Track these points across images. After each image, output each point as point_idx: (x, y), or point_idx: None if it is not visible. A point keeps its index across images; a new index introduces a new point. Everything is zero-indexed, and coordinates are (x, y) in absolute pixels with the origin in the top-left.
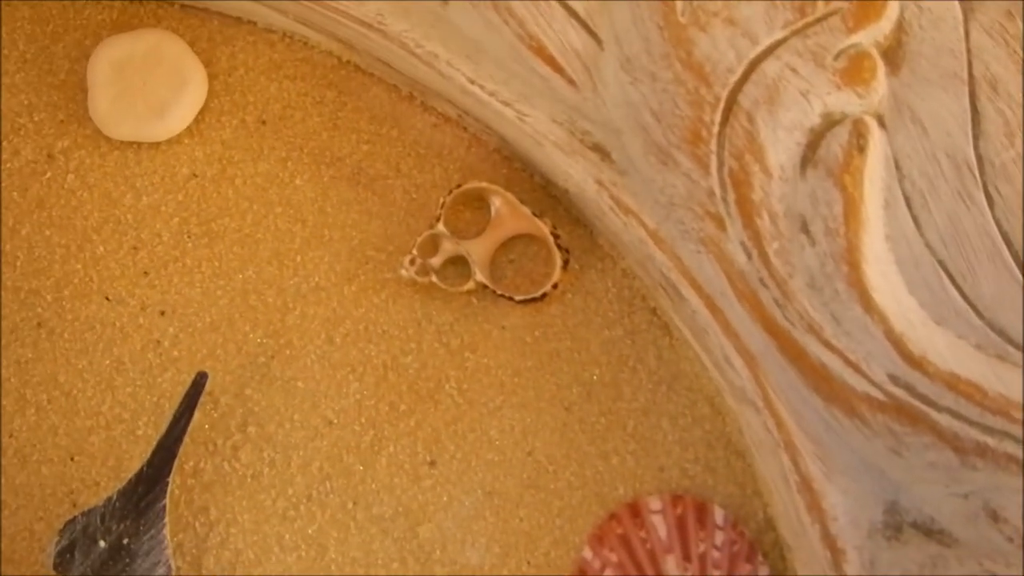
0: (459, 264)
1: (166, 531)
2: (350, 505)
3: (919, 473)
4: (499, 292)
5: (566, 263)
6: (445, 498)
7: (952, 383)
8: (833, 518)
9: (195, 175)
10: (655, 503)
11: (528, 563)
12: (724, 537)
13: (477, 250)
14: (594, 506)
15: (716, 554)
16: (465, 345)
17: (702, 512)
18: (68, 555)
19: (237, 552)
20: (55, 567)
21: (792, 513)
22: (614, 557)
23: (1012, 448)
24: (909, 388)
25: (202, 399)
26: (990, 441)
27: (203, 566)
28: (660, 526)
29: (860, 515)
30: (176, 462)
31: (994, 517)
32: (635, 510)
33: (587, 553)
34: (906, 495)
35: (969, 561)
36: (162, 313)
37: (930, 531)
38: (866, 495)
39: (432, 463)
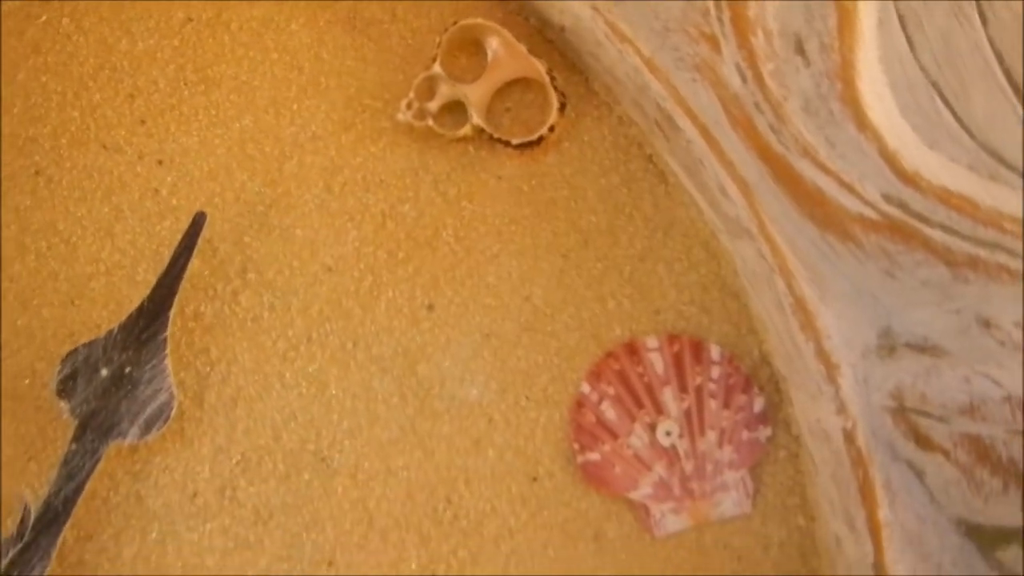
0: (456, 110)
1: (167, 362)
2: (350, 346)
3: (912, 295)
4: (496, 136)
5: (563, 107)
6: (443, 339)
7: (944, 198)
8: (827, 336)
9: (190, 19)
10: (652, 342)
11: (526, 398)
12: (720, 371)
13: (474, 94)
14: (591, 346)
15: (712, 386)
16: (462, 194)
17: (698, 349)
18: (71, 383)
19: (238, 388)
20: (58, 393)
21: (786, 338)
22: (611, 391)
23: (1004, 259)
24: (902, 205)
25: (201, 246)
26: (982, 253)
27: (205, 401)
28: (657, 362)
29: (854, 337)
30: (176, 299)
31: (986, 324)
32: (632, 348)
33: (585, 388)
34: (899, 319)
35: (961, 367)
36: (159, 162)
37: (923, 348)
38: (860, 320)
39: (430, 307)
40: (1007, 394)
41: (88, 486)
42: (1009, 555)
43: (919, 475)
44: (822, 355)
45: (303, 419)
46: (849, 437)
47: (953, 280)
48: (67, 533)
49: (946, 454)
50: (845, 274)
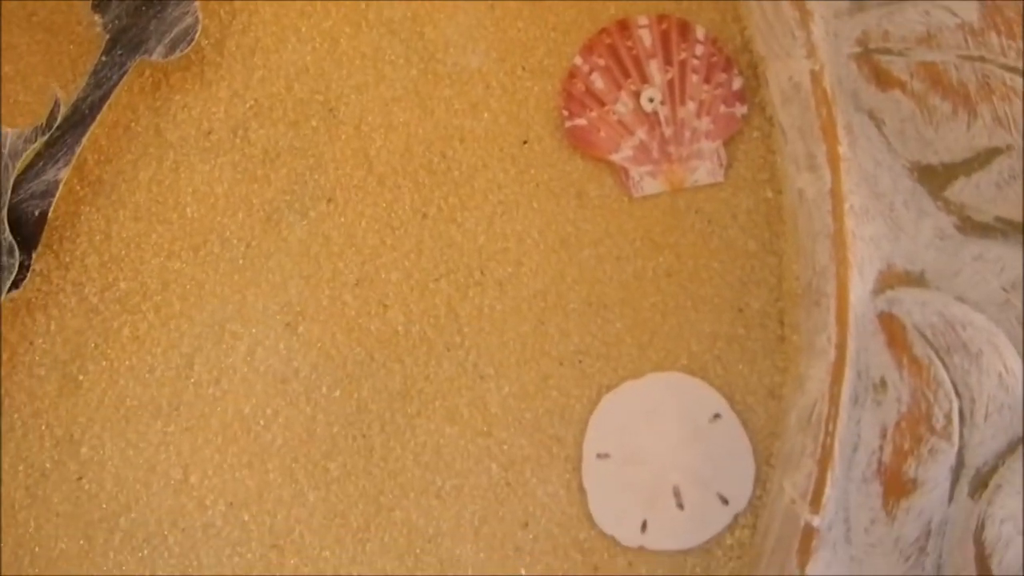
0: None
1: None
2: (362, 6)
3: None
4: None
5: None
6: (450, 7)
7: None
8: None
9: None
10: (643, 19)
11: (523, 68)
12: (703, 49)
13: None
14: (587, 23)
15: (695, 62)
16: None
17: (685, 29)
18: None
19: (257, 39)
20: (93, 7)
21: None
22: (602, 62)
23: None
24: None
25: None
26: None
27: (225, 48)
28: (646, 37)
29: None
30: None
31: None
32: (624, 25)
33: (578, 60)
34: None
35: (922, 2)
36: None
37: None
38: None
39: None
40: (961, 22)
41: (111, 117)
42: (955, 191)
43: (878, 125)
44: (798, 5)
45: (315, 72)
46: (816, 79)
47: None
48: (88, 155)
49: (903, 87)
50: None
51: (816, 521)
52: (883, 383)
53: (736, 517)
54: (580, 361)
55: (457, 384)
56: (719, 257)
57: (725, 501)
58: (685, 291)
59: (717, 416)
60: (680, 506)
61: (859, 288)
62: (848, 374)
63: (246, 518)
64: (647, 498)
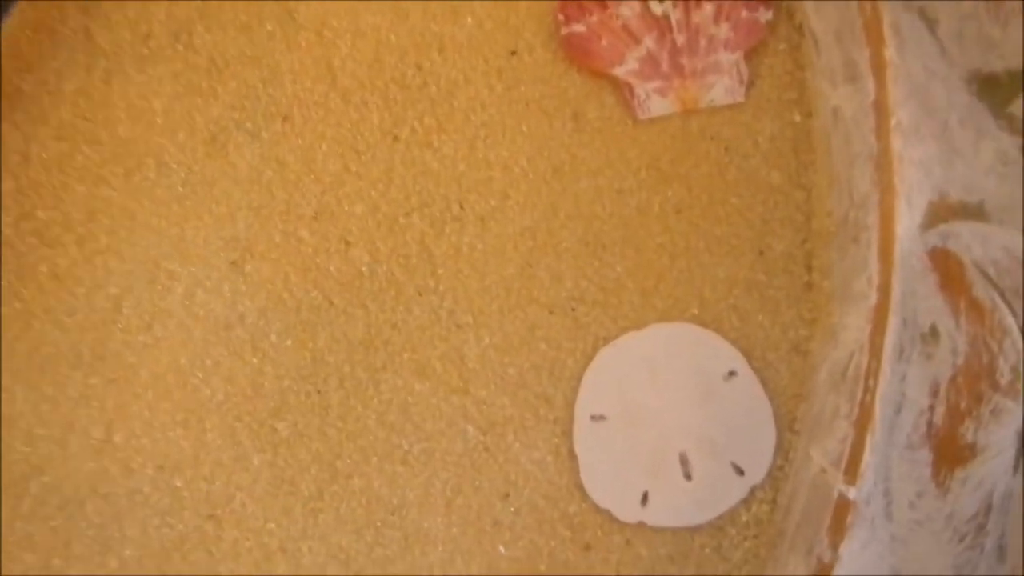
0: None
1: None
2: None
3: None
4: None
5: None
6: None
7: None
8: None
9: None
10: None
11: None
12: None
13: None
14: None
15: None
16: None
17: None
18: None
19: None
20: None
21: None
22: None
23: None
24: None
25: None
26: None
27: None
28: None
29: None
30: None
31: None
32: None
33: None
34: None
35: None
36: None
37: None
38: None
39: None
40: None
41: (33, 16)
42: (1021, 107)
43: (931, 26)
44: None
45: None
46: None
47: None
48: (5, 63)
49: None
50: None
51: (852, 493)
52: (934, 332)
53: (753, 490)
54: (573, 309)
55: (429, 334)
56: (737, 191)
57: (740, 471)
58: (697, 230)
59: (732, 374)
60: (687, 476)
61: (906, 220)
62: (892, 322)
63: (178, 484)
64: (649, 467)
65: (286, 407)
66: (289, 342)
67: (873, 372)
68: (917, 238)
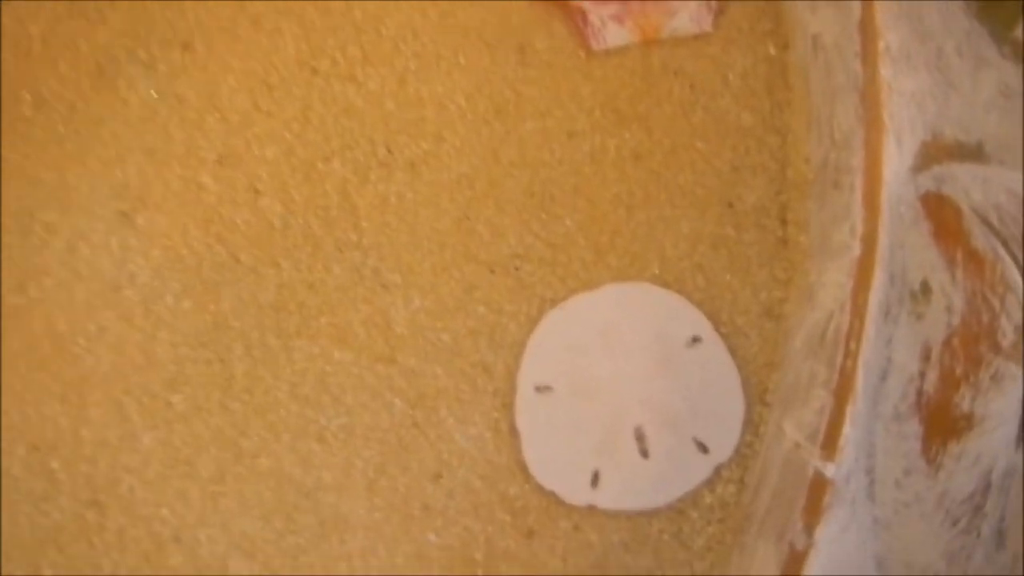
0: None
1: None
2: None
3: None
4: None
5: None
6: None
7: None
8: None
9: None
10: None
11: None
12: None
13: None
14: None
15: None
16: None
17: None
18: None
19: None
20: None
21: None
22: None
23: None
24: None
25: None
26: None
27: None
28: None
29: None
30: None
31: None
32: None
33: None
34: None
35: None
36: None
37: None
38: None
39: None
40: None
41: None
42: None
43: None
44: None
45: None
46: None
47: None
48: None
49: None
50: None
51: (830, 470)
52: (926, 289)
53: (718, 469)
54: (517, 268)
55: (351, 295)
56: (704, 134)
57: (704, 448)
58: (658, 179)
59: (696, 340)
60: (644, 453)
61: (895, 161)
62: (878, 277)
63: (55, 466)
64: (600, 443)
65: (182, 378)
66: (187, 304)
67: (855, 334)
68: (908, 181)
